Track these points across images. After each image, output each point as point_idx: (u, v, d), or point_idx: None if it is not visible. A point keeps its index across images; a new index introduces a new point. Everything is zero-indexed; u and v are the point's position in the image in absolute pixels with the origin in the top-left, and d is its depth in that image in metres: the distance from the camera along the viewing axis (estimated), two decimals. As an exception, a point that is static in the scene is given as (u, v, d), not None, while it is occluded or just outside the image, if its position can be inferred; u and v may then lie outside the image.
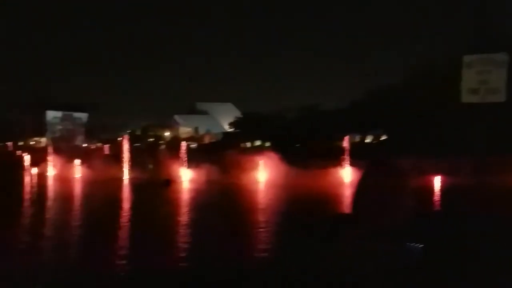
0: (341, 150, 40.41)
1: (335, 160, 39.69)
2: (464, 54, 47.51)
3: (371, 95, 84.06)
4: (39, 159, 54.16)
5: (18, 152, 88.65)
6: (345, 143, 41.36)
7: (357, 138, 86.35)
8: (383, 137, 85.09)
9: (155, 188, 33.23)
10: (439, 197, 28.63)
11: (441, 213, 22.23)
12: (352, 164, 39.11)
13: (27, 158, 57.03)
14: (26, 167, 54.46)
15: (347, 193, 30.60)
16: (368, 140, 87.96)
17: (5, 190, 33.25)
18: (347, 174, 38.58)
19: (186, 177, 38.79)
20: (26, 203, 29.11)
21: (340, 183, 35.77)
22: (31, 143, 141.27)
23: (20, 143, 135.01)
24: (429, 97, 56.94)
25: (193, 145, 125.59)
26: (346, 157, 39.76)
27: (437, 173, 34.30)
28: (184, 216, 22.23)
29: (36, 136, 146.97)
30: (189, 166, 40.32)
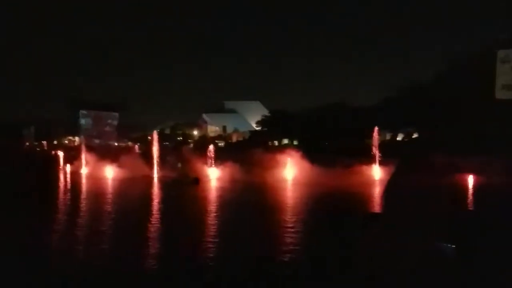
0: (371, 148, 39.67)
1: (365, 158, 39.04)
2: (499, 49, 45.76)
3: (402, 92, 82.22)
4: (72, 157, 55.88)
5: (53, 151, 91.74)
6: (375, 141, 40.56)
7: (388, 136, 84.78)
8: (415, 135, 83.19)
9: (184, 186, 33.62)
10: (471, 196, 27.73)
11: (474, 213, 21.53)
12: (382, 162, 38.44)
13: (61, 157, 58.88)
14: (60, 165, 56.29)
15: (377, 192, 30.09)
16: (399, 138, 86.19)
17: (43, 188, 34.61)
18: (377, 173, 37.94)
19: (214, 175, 39.04)
20: (65, 200, 30.01)
21: (370, 182, 35.14)
22: (64, 141, 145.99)
23: (54, 142, 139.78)
24: (463, 94, 55.25)
25: (221, 144, 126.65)
26: (376, 155, 39.03)
27: (470, 172, 33.27)
28: (214, 214, 22.35)
29: (70, 135, 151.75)
30: (217, 165, 40.57)
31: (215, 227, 19.33)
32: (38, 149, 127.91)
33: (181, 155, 49.30)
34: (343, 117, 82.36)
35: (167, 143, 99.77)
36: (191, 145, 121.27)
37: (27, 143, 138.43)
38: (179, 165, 46.17)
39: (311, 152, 42.84)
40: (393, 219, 19.45)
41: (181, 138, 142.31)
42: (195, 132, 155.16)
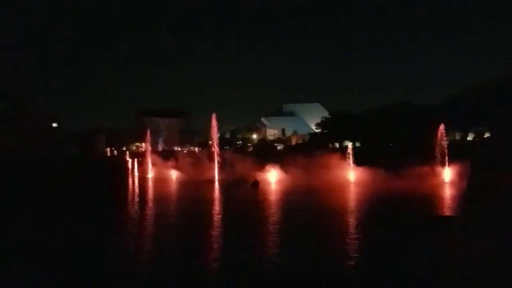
0: (440, 149, 37.43)
1: (433, 159, 36.93)
2: None
3: (472, 89, 77.54)
4: (139, 163, 58.76)
5: (122, 157, 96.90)
6: (444, 141, 38.19)
7: (458, 136, 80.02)
8: (487, 135, 77.77)
9: (244, 190, 33.74)
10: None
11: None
12: (452, 163, 36.18)
13: (129, 162, 62.00)
14: (129, 170, 59.36)
15: (447, 194, 28.30)
16: (469, 137, 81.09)
17: (118, 190, 36.58)
18: (447, 174, 35.75)
19: (273, 178, 38.86)
20: (139, 202, 31.27)
21: (440, 184, 33.21)
22: (133, 147, 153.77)
23: (124, 148, 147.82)
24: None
25: (280, 147, 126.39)
26: (445, 156, 36.74)
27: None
28: (276, 217, 22.04)
29: (137, 141, 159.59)
30: (276, 168, 40.37)
31: (281, 229, 18.91)
32: (108, 155, 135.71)
33: (241, 159, 49.79)
34: (408, 117, 79.09)
35: (227, 147, 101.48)
36: (251, 148, 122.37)
37: (99, 150, 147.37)
38: (239, 168, 46.56)
39: (374, 153, 41.34)
40: (469, 222, 18.08)
41: (241, 142, 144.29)
42: (254, 136, 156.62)
